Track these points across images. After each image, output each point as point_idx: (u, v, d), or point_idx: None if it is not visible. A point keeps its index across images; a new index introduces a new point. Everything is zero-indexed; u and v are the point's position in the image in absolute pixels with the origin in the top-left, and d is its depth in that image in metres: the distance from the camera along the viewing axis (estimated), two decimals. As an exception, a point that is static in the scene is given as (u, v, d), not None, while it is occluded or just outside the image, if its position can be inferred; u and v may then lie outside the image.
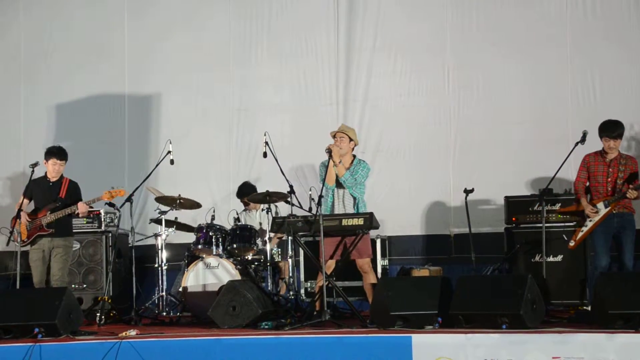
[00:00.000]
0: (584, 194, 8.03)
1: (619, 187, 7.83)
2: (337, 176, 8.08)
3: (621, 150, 8.11)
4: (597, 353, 6.09)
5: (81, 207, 8.33)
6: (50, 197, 8.45)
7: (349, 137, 8.16)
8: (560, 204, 8.63)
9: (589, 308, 7.40)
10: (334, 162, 7.94)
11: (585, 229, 7.94)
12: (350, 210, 8.08)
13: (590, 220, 7.90)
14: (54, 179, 8.51)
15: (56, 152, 8.51)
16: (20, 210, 8.32)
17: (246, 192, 9.55)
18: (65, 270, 8.47)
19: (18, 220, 8.30)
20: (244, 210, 9.73)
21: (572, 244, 8.09)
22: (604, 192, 7.91)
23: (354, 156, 8.25)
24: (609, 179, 7.90)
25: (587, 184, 8.09)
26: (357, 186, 8.14)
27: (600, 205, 7.86)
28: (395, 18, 10.42)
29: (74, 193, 8.53)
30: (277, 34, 10.76)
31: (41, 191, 8.51)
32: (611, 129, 7.89)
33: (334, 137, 8.19)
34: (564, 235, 7.92)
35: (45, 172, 8.54)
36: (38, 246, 8.38)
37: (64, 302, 7.12)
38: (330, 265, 8.00)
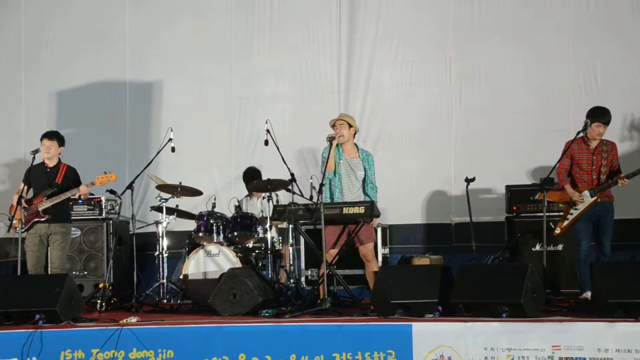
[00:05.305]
0: (568, 181, 7.93)
1: (603, 176, 7.79)
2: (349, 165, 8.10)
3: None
4: (597, 342, 6.07)
5: (83, 189, 8.30)
6: (46, 183, 8.43)
7: (349, 124, 8.13)
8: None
9: (589, 296, 7.40)
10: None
11: (571, 217, 7.88)
12: (359, 197, 8.08)
13: (576, 209, 7.85)
14: (52, 165, 8.49)
15: (47, 133, 8.52)
16: (21, 197, 8.31)
17: (253, 177, 9.49)
18: (64, 258, 8.48)
19: (18, 207, 8.26)
20: (246, 196, 9.71)
21: (557, 231, 8.01)
22: (589, 181, 7.84)
23: (356, 145, 8.23)
24: (594, 167, 7.83)
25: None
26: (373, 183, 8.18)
27: (586, 193, 7.79)
28: (397, 7, 10.40)
29: (71, 178, 8.50)
30: (279, 22, 10.73)
31: (38, 177, 8.48)
32: (603, 114, 7.79)
33: (333, 126, 8.17)
34: (551, 224, 7.90)
35: (44, 159, 8.50)
36: (34, 231, 8.37)
37: (65, 289, 7.11)
38: (332, 253, 7.97)
